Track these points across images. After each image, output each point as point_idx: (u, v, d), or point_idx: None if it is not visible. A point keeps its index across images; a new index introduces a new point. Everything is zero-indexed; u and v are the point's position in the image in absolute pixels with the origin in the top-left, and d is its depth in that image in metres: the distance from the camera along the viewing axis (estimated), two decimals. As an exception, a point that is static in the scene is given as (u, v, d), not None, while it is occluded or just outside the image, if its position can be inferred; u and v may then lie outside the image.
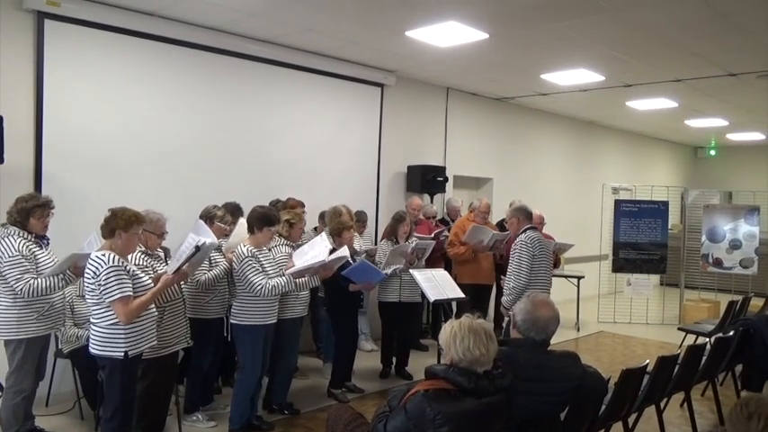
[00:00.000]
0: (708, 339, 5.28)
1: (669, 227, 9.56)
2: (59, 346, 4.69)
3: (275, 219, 4.48)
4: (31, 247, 3.93)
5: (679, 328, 6.97)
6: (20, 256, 3.82)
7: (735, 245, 9.45)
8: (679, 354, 4.14)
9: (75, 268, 3.90)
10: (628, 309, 9.23)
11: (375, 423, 2.50)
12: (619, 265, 9.29)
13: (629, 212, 9.30)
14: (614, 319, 9.12)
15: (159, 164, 5.63)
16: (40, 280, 3.82)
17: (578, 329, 8.46)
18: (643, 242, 9.22)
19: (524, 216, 5.13)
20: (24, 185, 4.70)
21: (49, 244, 4.12)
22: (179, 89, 5.78)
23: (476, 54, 6.47)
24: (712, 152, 14.30)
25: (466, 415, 2.30)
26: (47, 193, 4.34)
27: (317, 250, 4.58)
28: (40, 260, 3.96)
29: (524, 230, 5.01)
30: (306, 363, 6.20)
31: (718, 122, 10.73)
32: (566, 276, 8.54)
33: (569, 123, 10.87)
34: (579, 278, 8.51)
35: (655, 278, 9.67)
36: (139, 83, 5.51)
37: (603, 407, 3.36)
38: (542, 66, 7.12)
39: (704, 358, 4.47)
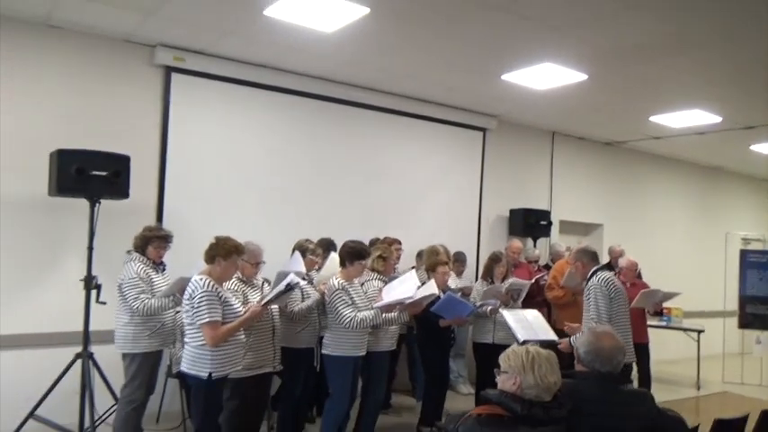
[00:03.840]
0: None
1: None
2: (171, 367, 5.08)
3: (365, 253, 4.66)
4: (148, 271, 4.41)
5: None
6: (138, 279, 4.30)
7: None
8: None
9: (184, 291, 4.26)
10: (758, 370, 8.40)
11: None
12: (746, 321, 8.52)
13: (758, 264, 8.55)
14: (742, 380, 8.33)
15: (268, 201, 6.08)
16: (153, 300, 4.27)
17: (698, 388, 7.82)
18: (774, 297, 8.43)
19: (589, 258, 4.78)
20: (147, 219, 5.23)
21: (165, 269, 4.59)
22: (288, 133, 6.26)
23: (576, 96, 6.43)
24: None
25: (518, 441, 2.27)
26: (167, 226, 4.84)
27: (405, 286, 4.67)
28: (156, 283, 4.41)
29: (594, 272, 4.70)
30: (401, 401, 6.25)
31: None
32: (683, 329, 7.97)
33: (689, 169, 10.31)
34: (699, 332, 7.88)
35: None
36: (252, 127, 6.04)
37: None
38: (650, 107, 6.91)
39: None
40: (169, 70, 5.55)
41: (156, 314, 4.32)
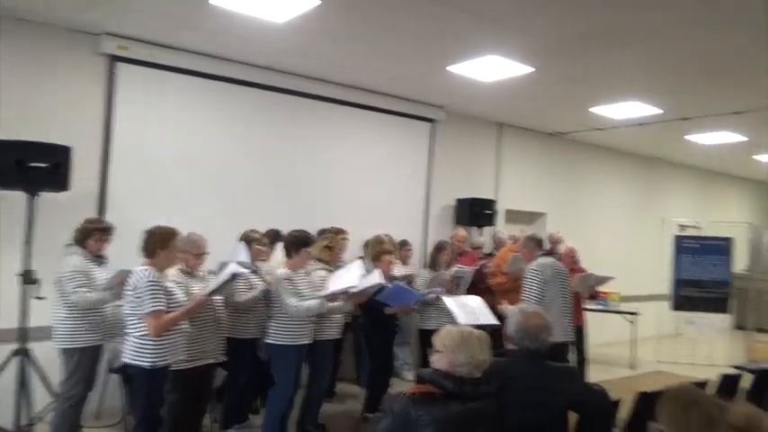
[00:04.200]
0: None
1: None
2: (111, 361, 5.01)
3: (310, 240, 4.72)
4: (88, 264, 4.34)
5: (733, 366, 6.62)
6: (77, 272, 4.23)
7: (809, 284, 8.95)
8: (707, 382, 4.00)
9: (125, 284, 4.22)
10: (690, 350, 8.82)
11: (370, 426, 2.61)
12: (679, 303, 8.94)
13: (691, 249, 8.99)
14: (675, 360, 8.73)
15: (214, 193, 6.02)
16: (92, 294, 4.21)
17: (633, 368, 8.17)
18: (705, 280, 8.86)
19: (535, 244, 5.26)
20: (89, 212, 5.14)
21: (106, 263, 4.52)
22: (234, 123, 6.21)
23: (522, 88, 6.54)
24: (794, 190, 13.56)
25: (448, 418, 2.38)
26: (111, 219, 4.78)
27: (350, 275, 4.77)
28: (96, 277, 4.35)
29: (537, 257, 5.07)
30: (346, 389, 6.32)
31: (793, 158, 10.26)
32: (619, 312, 8.31)
33: (630, 159, 10.69)
34: (633, 314, 8.25)
35: (723, 320, 9.23)
36: (198, 118, 5.98)
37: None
38: (593, 99, 7.10)
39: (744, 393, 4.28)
40: (114, 59, 5.43)
41: (96, 308, 4.26)
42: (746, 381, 6.05)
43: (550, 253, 5.71)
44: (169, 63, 5.70)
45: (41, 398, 4.53)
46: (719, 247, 8.96)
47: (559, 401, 2.77)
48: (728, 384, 4.20)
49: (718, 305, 8.87)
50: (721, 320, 9.16)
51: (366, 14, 4.77)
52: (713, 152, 9.99)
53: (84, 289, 4.22)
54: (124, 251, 4.55)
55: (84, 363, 4.30)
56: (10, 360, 4.41)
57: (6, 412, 4.45)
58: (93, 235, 4.40)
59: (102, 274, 4.40)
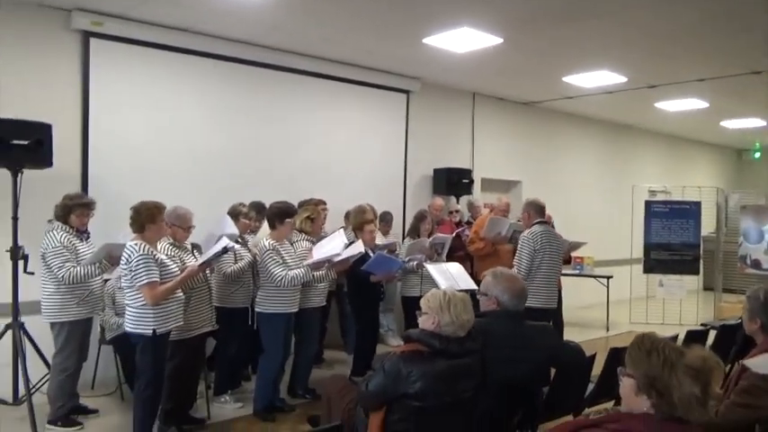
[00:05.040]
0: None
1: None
2: (103, 334, 5.13)
3: (292, 210, 4.83)
4: (72, 239, 4.40)
5: (701, 324, 6.95)
6: (61, 247, 4.30)
7: (773, 246, 9.31)
8: (676, 338, 4.25)
9: (110, 258, 4.33)
10: (661, 310, 9.18)
11: (361, 384, 2.78)
12: (650, 266, 9.27)
13: (660, 213, 9.29)
14: (647, 321, 9.08)
15: (194, 167, 6.09)
16: (78, 268, 4.29)
17: (608, 329, 8.51)
18: (675, 243, 9.19)
19: (535, 210, 5.33)
20: (72, 188, 5.13)
21: (89, 238, 4.59)
22: (213, 98, 6.25)
23: (493, 59, 6.70)
24: (757, 155, 13.95)
25: (436, 373, 2.56)
26: (92, 195, 4.83)
27: (333, 244, 4.91)
28: (80, 251, 4.42)
29: (533, 225, 5.20)
30: (333, 355, 6.52)
31: (756, 123, 10.57)
32: (594, 276, 8.60)
33: (602, 126, 10.92)
34: (608, 278, 8.54)
35: (692, 281, 9.59)
36: (176, 93, 6.01)
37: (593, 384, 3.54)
38: (563, 68, 7.28)
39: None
40: (87, 35, 5.43)
41: (83, 282, 4.33)
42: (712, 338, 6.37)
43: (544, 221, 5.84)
44: (144, 38, 5.71)
45: (38, 370, 4.62)
46: (688, 211, 9.27)
47: (538, 357, 2.97)
48: (694, 340, 4.43)
49: (687, 267, 9.21)
50: (690, 282, 9.55)
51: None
52: (681, 119, 10.30)
53: (71, 264, 4.30)
54: (107, 225, 4.71)
55: (74, 336, 4.41)
56: (4, 333, 4.50)
57: (4, 385, 4.57)
58: (74, 210, 4.46)
59: (85, 249, 4.48)
